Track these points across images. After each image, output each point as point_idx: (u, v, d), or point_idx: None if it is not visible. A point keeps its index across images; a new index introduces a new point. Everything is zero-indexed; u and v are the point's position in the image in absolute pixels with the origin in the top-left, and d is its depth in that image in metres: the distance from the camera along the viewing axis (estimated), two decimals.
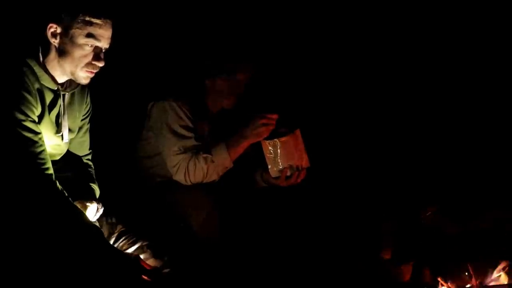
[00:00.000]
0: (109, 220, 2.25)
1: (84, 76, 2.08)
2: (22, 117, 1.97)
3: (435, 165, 3.29)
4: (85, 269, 1.92)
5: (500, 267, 2.56)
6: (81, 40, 2.02)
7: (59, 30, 2.02)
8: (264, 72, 2.88)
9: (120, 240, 2.21)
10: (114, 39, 2.08)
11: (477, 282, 2.58)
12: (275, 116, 2.53)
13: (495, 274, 2.56)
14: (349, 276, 2.72)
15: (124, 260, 2.03)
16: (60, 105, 2.14)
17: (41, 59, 2.06)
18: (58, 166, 2.14)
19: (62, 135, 2.16)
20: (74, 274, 1.91)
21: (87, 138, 2.35)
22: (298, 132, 2.58)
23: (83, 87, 2.24)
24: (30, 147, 1.97)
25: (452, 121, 3.40)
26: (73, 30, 2.01)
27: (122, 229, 2.24)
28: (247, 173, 2.77)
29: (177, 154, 2.56)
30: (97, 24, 2.02)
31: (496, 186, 3.03)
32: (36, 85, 2.04)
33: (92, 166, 2.37)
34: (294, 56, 3.45)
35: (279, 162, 2.57)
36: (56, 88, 2.11)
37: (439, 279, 2.64)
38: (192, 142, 2.58)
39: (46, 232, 1.92)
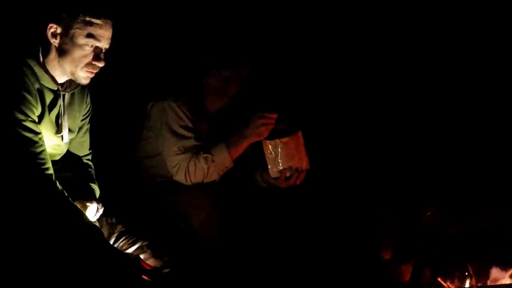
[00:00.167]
0: (109, 220, 2.25)
1: (84, 76, 2.08)
2: (22, 117, 1.97)
3: (435, 165, 3.28)
4: (85, 269, 1.92)
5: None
6: (81, 40, 2.02)
7: (59, 30, 2.02)
8: (264, 72, 2.87)
9: (120, 240, 2.21)
10: (114, 40, 2.08)
11: (477, 282, 2.58)
12: (274, 116, 2.53)
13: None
14: (349, 276, 2.72)
15: (124, 260, 2.03)
16: (60, 105, 2.14)
17: (41, 59, 2.06)
18: (58, 166, 2.14)
19: (62, 135, 2.16)
20: (74, 274, 1.91)
21: (87, 138, 2.35)
22: (299, 133, 2.58)
23: (83, 87, 2.24)
24: (30, 147, 1.97)
25: (452, 121, 3.39)
26: (73, 30, 2.01)
27: (122, 229, 2.24)
28: (247, 173, 2.77)
29: (177, 154, 2.56)
30: (97, 24, 2.02)
31: (496, 186, 3.03)
32: (36, 85, 2.04)
33: (92, 166, 2.37)
34: (294, 56, 3.45)
35: (279, 163, 2.57)
36: (56, 88, 2.11)
37: (439, 279, 2.64)
38: (192, 142, 2.58)
39: (46, 232, 1.92)
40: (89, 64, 2.06)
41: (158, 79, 2.92)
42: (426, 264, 2.76)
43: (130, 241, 2.21)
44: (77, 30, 2.01)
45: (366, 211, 3.04)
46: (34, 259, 1.91)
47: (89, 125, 2.34)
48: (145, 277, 2.00)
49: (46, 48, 2.06)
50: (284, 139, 2.54)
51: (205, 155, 2.56)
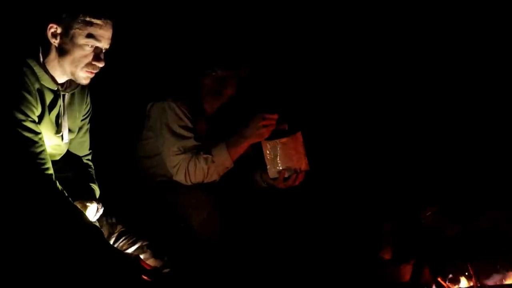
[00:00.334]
0: (109, 220, 2.25)
1: (84, 76, 2.08)
2: (22, 117, 1.97)
3: (435, 165, 3.29)
4: (85, 269, 1.92)
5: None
6: (82, 40, 2.02)
7: (59, 30, 2.02)
8: (263, 72, 2.87)
9: (120, 240, 2.21)
10: (114, 40, 2.08)
11: (477, 282, 2.58)
12: (275, 116, 2.53)
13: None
14: (349, 276, 2.72)
15: (124, 260, 2.03)
16: (60, 106, 2.14)
17: (41, 59, 2.06)
18: (58, 166, 2.14)
19: (62, 136, 2.16)
20: (74, 274, 1.91)
21: (87, 138, 2.35)
22: (299, 134, 2.57)
23: (83, 87, 2.24)
24: (30, 147, 1.97)
25: (452, 121, 3.39)
26: (74, 31, 2.01)
27: (122, 229, 2.24)
28: (247, 173, 2.77)
29: (177, 154, 2.56)
30: (97, 24, 2.02)
31: (496, 186, 3.03)
32: (36, 85, 2.04)
33: (92, 166, 2.37)
34: (294, 56, 3.45)
35: (277, 163, 2.57)
36: (56, 89, 2.11)
37: (439, 279, 2.64)
38: (192, 142, 2.58)
39: (46, 232, 1.92)
40: (89, 64, 2.06)
41: (158, 79, 2.92)
42: (426, 264, 2.76)
43: (130, 241, 2.21)
44: (77, 30, 2.01)
45: (366, 211, 3.04)
46: (34, 259, 1.90)
47: (89, 125, 2.34)
48: (145, 277, 2.00)
49: (46, 48, 2.06)
50: (283, 140, 2.54)
51: (205, 155, 2.56)
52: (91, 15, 2.01)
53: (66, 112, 2.17)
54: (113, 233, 2.23)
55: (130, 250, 2.18)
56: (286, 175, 2.58)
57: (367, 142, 3.45)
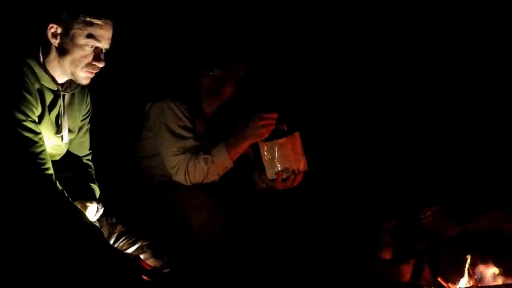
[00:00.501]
0: (109, 220, 2.25)
1: (84, 77, 2.08)
2: (22, 117, 1.97)
3: (435, 165, 3.28)
4: (85, 269, 1.92)
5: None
6: (82, 40, 2.02)
7: (59, 30, 2.02)
8: (262, 72, 2.87)
9: (120, 240, 2.21)
10: (114, 40, 2.08)
11: (477, 282, 2.58)
12: (275, 116, 2.53)
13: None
14: (349, 276, 2.72)
15: (124, 260, 2.03)
16: (60, 106, 2.14)
17: (41, 59, 2.06)
18: (58, 166, 2.14)
19: (62, 136, 2.16)
20: (74, 274, 1.91)
21: (87, 138, 2.35)
22: (297, 135, 2.57)
23: (83, 87, 2.24)
24: (30, 147, 1.97)
25: (452, 121, 3.39)
26: (74, 31, 2.01)
27: (122, 229, 2.24)
28: (247, 173, 2.77)
29: (176, 154, 2.56)
30: (97, 24, 2.02)
31: (495, 186, 3.03)
32: (36, 85, 2.04)
33: (92, 166, 2.37)
34: (293, 56, 3.45)
35: (275, 164, 2.56)
36: (56, 89, 2.11)
37: (439, 279, 2.64)
38: (191, 143, 2.58)
39: (46, 232, 1.92)
40: (89, 65, 2.06)
41: (157, 79, 2.93)
42: (426, 264, 2.76)
43: (130, 241, 2.21)
44: (78, 30, 2.01)
45: (366, 211, 3.04)
46: (34, 259, 1.91)
47: (89, 125, 2.34)
48: (145, 277, 2.00)
49: (46, 48, 2.06)
50: (281, 140, 2.53)
51: (204, 155, 2.55)
52: (91, 15, 2.01)
53: (66, 112, 2.17)
54: (113, 233, 2.23)
55: (130, 250, 2.18)
56: (284, 176, 2.57)
57: (367, 142, 3.45)
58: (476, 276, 2.59)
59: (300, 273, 2.61)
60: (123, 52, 2.48)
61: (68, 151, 2.26)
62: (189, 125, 2.61)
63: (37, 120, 2.03)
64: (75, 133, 2.26)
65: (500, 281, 2.59)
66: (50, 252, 1.91)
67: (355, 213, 3.02)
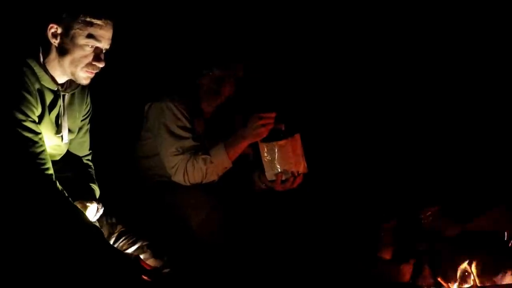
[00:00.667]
0: (109, 220, 2.25)
1: (84, 77, 2.08)
2: (22, 117, 1.97)
3: (435, 165, 3.28)
4: (85, 269, 1.92)
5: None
6: (82, 40, 2.02)
7: (59, 30, 2.02)
8: (261, 72, 2.87)
9: (120, 240, 2.21)
10: (114, 40, 2.08)
11: (477, 282, 2.58)
12: (273, 115, 2.52)
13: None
14: (349, 276, 2.72)
15: (124, 260, 2.03)
16: (60, 106, 2.14)
17: (41, 59, 2.06)
18: (58, 166, 2.14)
19: (62, 136, 2.16)
20: (74, 274, 1.91)
21: (87, 138, 2.35)
22: (297, 136, 2.56)
23: (83, 87, 2.24)
24: (30, 147, 1.97)
25: (452, 121, 3.39)
26: (74, 31, 2.01)
27: (122, 229, 2.24)
28: (246, 173, 2.77)
29: (175, 155, 2.56)
30: (97, 25, 2.02)
31: (496, 186, 3.03)
32: (37, 86, 2.04)
33: (92, 166, 2.37)
34: (292, 56, 3.45)
35: (275, 166, 2.55)
36: (56, 89, 2.11)
37: (439, 279, 2.64)
38: (190, 143, 2.58)
39: (46, 232, 1.92)
40: (89, 65, 2.06)
41: (156, 80, 2.93)
42: (426, 264, 2.76)
43: (130, 241, 2.21)
44: (78, 30, 2.01)
45: (366, 211, 3.04)
46: (34, 259, 1.91)
47: (89, 125, 2.34)
48: (145, 277, 2.00)
49: (47, 48, 2.06)
50: (281, 142, 2.52)
51: (203, 156, 2.55)
52: (91, 15, 2.01)
53: (66, 113, 2.17)
54: (113, 233, 2.23)
55: (130, 250, 2.18)
56: (283, 178, 2.57)
57: (367, 142, 3.45)
58: (476, 276, 2.59)
59: (300, 273, 2.61)
60: (123, 52, 2.48)
61: (68, 151, 2.26)
62: (188, 125, 2.61)
63: (37, 120, 2.03)
64: (75, 133, 2.26)
65: (500, 281, 2.59)
66: (50, 252, 1.91)
67: (355, 213, 3.02)
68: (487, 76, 3.37)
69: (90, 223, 2.08)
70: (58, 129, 2.15)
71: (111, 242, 2.20)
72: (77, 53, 2.03)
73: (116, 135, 2.98)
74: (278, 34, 3.38)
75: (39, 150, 1.99)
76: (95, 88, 2.28)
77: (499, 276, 2.61)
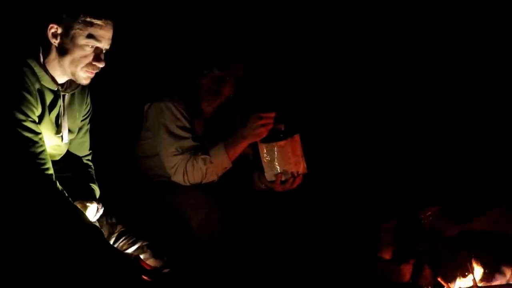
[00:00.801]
0: (109, 220, 2.25)
1: (84, 77, 2.08)
2: (22, 117, 1.97)
3: (435, 165, 3.28)
4: (85, 269, 1.92)
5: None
6: (82, 40, 2.02)
7: (59, 30, 2.02)
8: (261, 72, 2.87)
9: (120, 240, 2.21)
10: (114, 40, 2.08)
11: (477, 282, 2.58)
12: (272, 115, 2.52)
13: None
14: (349, 276, 2.72)
15: (124, 260, 2.03)
16: (60, 106, 2.14)
17: (41, 59, 2.06)
18: (58, 166, 2.14)
19: (62, 136, 2.16)
20: (74, 274, 1.91)
21: (87, 138, 2.35)
22: (297, 137, 2.56)
23: (83, 87, 2.24)
24: (30, 147, 1.97)
25: (452, 121, 3.39)
26: (74, 31, 2.01)
27: (122, 229, 2.24)
28: (246, 173, 2.77)
29: (175, 155, 2.56)
30: (98, 25, 2.02)
31: (496, 186, 3.03)
32: (37, 86, 2.04)
33: (92, 166, 2.37)
34: (292, 57, 3.45)
35: (275, 166, 2.55)
36: (56, 89, 2.11)
37: (439, 279, 2.64)
38: (189, 143, 2.58)
39: (46, 232, 1.92)
40: (89, 65, 2.06)
41: (156, 80, 2.93)
42: (426, 264, 2.76)
43: (130, 241, 2.21)
44: (78, 30, 2.01)
45: (366, 211, 3.04)
46: (34, 259, 1.91)
47: (89, 125, 2.34)
48: (145, 277, 2.00)
49: (47, 48, 2.06)
50: (281, 143, 2.52)
51: (203, 156, 2.55)
52: (91, 15, 2.01)
53: (66, 113, 2.17)
54: (113, 233, 2.23)
55: (130, 250, 2.18)
56: (283, 179, 2.57)
57: (367, 142, 3.45)
58: (476, 276, 2.59)
59: (300, 273, 2.61)
60: (123, 52, 2.48)
61: (68, 151, 2.27)
62: (187, 125, 2.61)
63: (37, 120, 2.03)
64: (75, 133, 2.26)
65: (500, 281, 2.59)
66: (50, 252, 1.91)
67: (355, 213, 3.02)
68: (487, 76, 3.37)
69: (90, 223, 2.08)
70: (58, 129, 2.15)
71: (111, 242, 2.20)
72: (77, 53, 2.03)
73: (116, 135, 2.98)
74: (278, 34, 3.38)
75: (39, 150, 1.99)
76: (95, 88, 2.28)
77: (499, 276, 2.61)
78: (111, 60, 2.12)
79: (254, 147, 2.64)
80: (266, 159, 2.56)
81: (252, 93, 2.87)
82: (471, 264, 2.61)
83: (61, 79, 2.12)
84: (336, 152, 3.41)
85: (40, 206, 1.94)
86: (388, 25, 3.43)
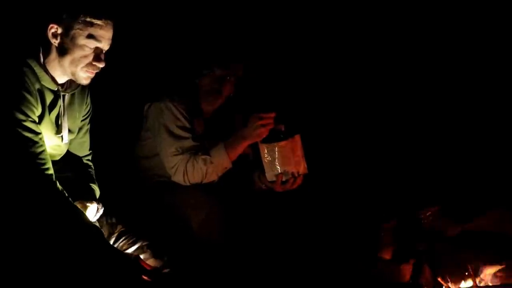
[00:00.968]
0: (109, 220, 2.25)
1: (84, 77, 2.08)
2: (22, 117, 1.97)
3: (435, 165, 3.28)
4: (85, 269, 1.92)
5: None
6: (82, 40, 2.02)
7: (59, 30, 2.02)
8: (261, 72, 2.88)
9: (120, 240, 2.22)
10: (114, 40, 2.08)
11: (477, 282, 2.58)
12: (272, 115, 2.52)
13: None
14: (349, 276, 2.72)
15: (124, 260, 2.03)
16: (60, 106, 2.14)
17: (41, 59, 2.06)
18: (58, 166, 2.14)
19: (62, 136, 2.17)
20: (74, 274, 1.91)
21: (87, 138, 2.35)
22: (298, 137, 2.55)
23: (83, 87, 2.24)
24: (31, 147, 1.97)
25: (452, 121, 3.39)
26: (74, 31, 2.01)
27: (122, 229, 2.24)
28: (246, 173, 2.77)
29: (175, 155, 2.56)
30: (98, 25, 2.02)
31: (496, 186, 3.03)
32: (37, 86, 2.04)
33: (92, 166, 2.37)
34: (292, 57, 3.45)
35: (275, 167, 2.55)
36: (56, 89, 2.11)
37: (439, 279, 2.64)
38: (189, 143, 2.58)
39: (46, 232, 1.92)
40: (89, 65, 2.06)
41: (156, 80, 2.93)
42: (426, 264, 2.76)
43: (130, 241, 2.21)
44: (78, 30, 2.01)
45: (366, 211, 3.04)
46: (34, 259, 1.91)
47: (89, 125, 2.34)
48: (145, 277, 2.01)
49: (47, 48, 2.06)
50: (282, 143, 2.52)
51: (203, 156, 2.55)
52: (91, 15, 2.01)
53: (66, 113, 2.17)
54: (113, 233, 2.23)
55: (130, 250, 2.18)
56: (284, 179, 2.57)
57: (367, 142, 3.45)
58: (476, 276, 2.59)
59: (300, 273, 2.61)
60: (123, 52, 2.48)
61: (68, 151, 2.27)
62: (187, 125, 2.61)
63: (37, 120, 2.03)
64: (75, 133, 2.27)
65: (500, 281, 2.59)
66: (50, 252, 1.91)
67: (355, 213, 3.02)
68: (487, 76, 3.37)
69: (90, 223, 2.08)
70: (58, 129, 2.15)
71: (111, 242, 2.20)
72: (77, 53, 2.03)
73: (116, 135, 2.98)
74: (278, 34, 3.38)
75: (39, 150, 1.99)
76: (95, 88, 2.28)
77: (499, 276, 2.61)
78: (111, 60, 2.12)
79: (254, 147, 2.64)
80: (267, 160, 2.56)
81: (252, 93, 2.87)
82: (471, 264, 2.61)
83: (61, 79, 2.12)
84: (336, 152, 3.41)
85: (40, 206, 1.94)
86: (388, 25, 3.43)
